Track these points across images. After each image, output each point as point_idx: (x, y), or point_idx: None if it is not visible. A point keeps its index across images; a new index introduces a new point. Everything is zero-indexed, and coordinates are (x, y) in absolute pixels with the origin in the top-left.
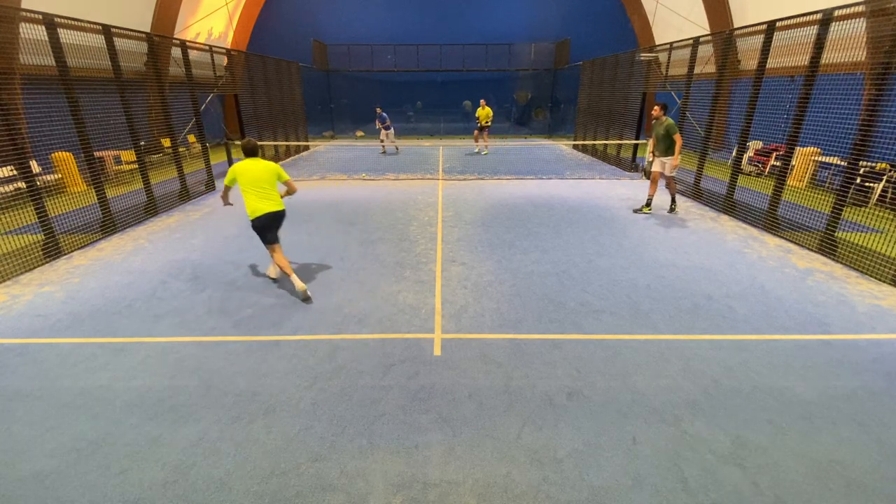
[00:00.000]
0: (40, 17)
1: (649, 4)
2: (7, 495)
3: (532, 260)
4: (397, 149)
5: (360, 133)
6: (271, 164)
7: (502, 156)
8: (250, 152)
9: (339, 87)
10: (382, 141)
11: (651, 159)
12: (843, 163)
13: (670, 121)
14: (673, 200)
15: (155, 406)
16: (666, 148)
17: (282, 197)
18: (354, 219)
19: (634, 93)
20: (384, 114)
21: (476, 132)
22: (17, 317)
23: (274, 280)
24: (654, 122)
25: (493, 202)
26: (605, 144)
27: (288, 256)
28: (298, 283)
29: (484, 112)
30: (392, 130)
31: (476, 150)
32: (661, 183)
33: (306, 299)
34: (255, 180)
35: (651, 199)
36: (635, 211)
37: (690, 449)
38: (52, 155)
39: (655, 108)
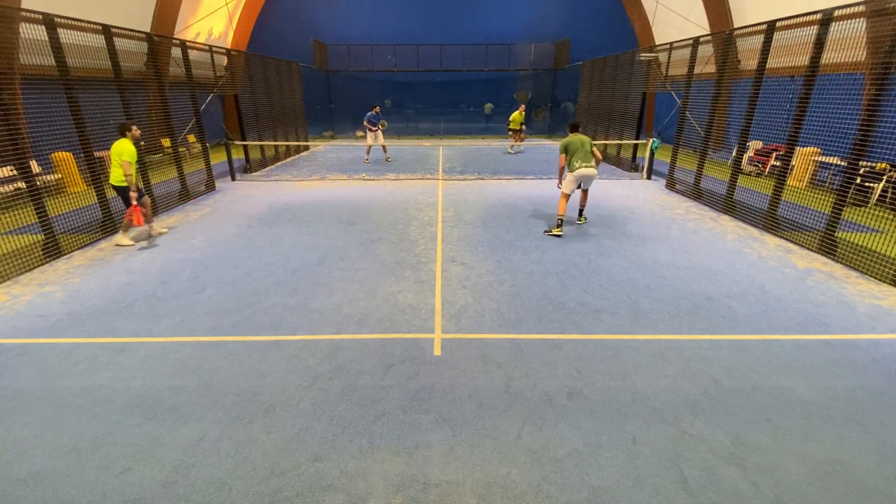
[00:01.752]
0: (40, 17)
1: (649, 4)
2: (7, 495)
3: (532, 260)
4: (385, 150)
5: (360, 133)
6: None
7: (502, 155)
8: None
9: (339, 87)
10: (373, 138)
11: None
12: (843, 163)
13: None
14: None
15: (155, 406)
16: None
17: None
18: (354, 219)
19: (634, 93)
20: (379, 114)
21: (512, 133)
22: (17, 317)
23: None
24: None
25: (493, 202)
26: (605, 144)
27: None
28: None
29: (521, 116)
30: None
31: (510, 150)
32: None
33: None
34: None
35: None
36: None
37: (690, 449)
38: (52, 155)
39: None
